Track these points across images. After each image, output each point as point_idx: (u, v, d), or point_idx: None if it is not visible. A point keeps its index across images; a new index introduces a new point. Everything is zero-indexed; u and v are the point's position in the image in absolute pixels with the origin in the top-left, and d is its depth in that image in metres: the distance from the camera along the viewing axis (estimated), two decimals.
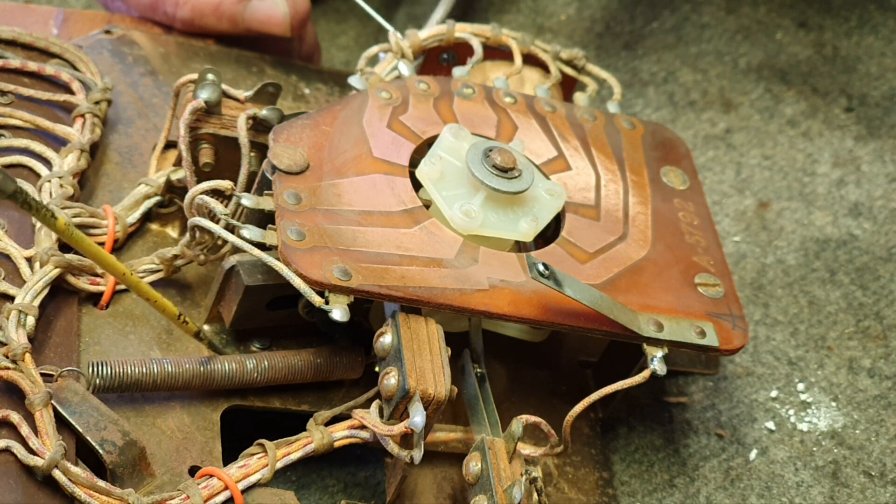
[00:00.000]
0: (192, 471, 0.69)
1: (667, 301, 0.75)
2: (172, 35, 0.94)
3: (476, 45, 0.87)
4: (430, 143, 0.78)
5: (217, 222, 0.71)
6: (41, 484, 0.64)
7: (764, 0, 1.19)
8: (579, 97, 0.88)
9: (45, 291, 0.72)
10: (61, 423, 0.66)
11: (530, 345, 0.82)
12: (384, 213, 0.73)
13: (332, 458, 0.71)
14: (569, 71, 0.91)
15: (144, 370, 0.70)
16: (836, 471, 0.84)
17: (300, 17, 0.94)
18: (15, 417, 0.65)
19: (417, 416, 0.66)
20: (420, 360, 0.68)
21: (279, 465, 0.68)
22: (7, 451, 0.64)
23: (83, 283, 0.74)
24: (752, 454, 0.86)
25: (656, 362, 0.73)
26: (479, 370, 0.76)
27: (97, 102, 0.82)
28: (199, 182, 0.73)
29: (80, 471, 0.63)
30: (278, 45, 0.96)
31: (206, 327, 0.76)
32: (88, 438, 0.66)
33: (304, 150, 0.74)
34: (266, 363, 0.73)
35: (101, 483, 0.64)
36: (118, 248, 0.78)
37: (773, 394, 0.89)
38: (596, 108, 0.87)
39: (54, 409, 0.66)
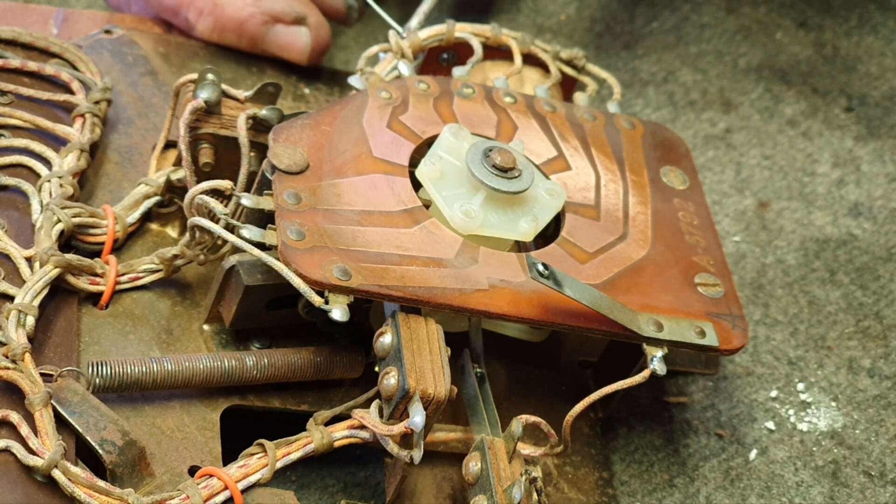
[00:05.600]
0: (192, 471, 0.69)
1: (667, 301, 0.75)
2: (172, 35, 0.94)
3: (476, 45, 0.87)
4: (430, 142, 0.78)
5: (217, 222, 0.71)
6: (41, 484, 0.64)
7: (764, 0, 1.19)
8: (579, 97, 0.88)
9: (45, 291, 0.72)
10: (61, 423, 0.66)
11: (530, 345, 0.82)
12: (384, 212, 0.73)
13: (332, 458, 0.71)
14: (569, 71, 0.91)
15: (144, 369, 0.70)
16: (835, 471, 0.85)
17: (321, 49, 0.94)
18: (15, 417, 0.65)
19: (417, 416, 0.66)
20: (420, 360, 0.68)
21: (279, 465, 0.68)
22: (7, 451, 0.64)
23: (83, 283, 0.74)
24: (752, 454, 0.86)
25: (656, 362, 0.73)
26: (479, 370, 0.76)
27: (97, 102, 0.82)
28: (198, 182, 0.73)
29: (79, 471, 0.63)
30: None
31: (205, 327, 0.76)
32: (88, 438, 0.66)
33: (303, 149, 0.74)
34: (266, 360, 0.73)
35: (101, 483, 0.64)
36: (118, 247, 0.78)
37: (773, 394, 0.89)
38: (596, 108, 0.86)
39: (54, 409, 0.66)
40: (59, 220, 0.74)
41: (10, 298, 0.71)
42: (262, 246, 0.70)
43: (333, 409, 0.71)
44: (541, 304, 0.72)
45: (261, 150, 0.77)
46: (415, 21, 0.94)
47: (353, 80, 0.82)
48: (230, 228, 0.71)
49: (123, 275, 0.76)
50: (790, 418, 0.88)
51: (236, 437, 0.73)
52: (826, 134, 1.08)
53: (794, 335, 0.93)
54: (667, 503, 0.83)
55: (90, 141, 0.80)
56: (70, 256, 0.73)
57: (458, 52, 0.89)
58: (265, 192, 0.73)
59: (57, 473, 0.63)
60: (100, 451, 0.66)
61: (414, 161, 0.77)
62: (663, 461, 0.85)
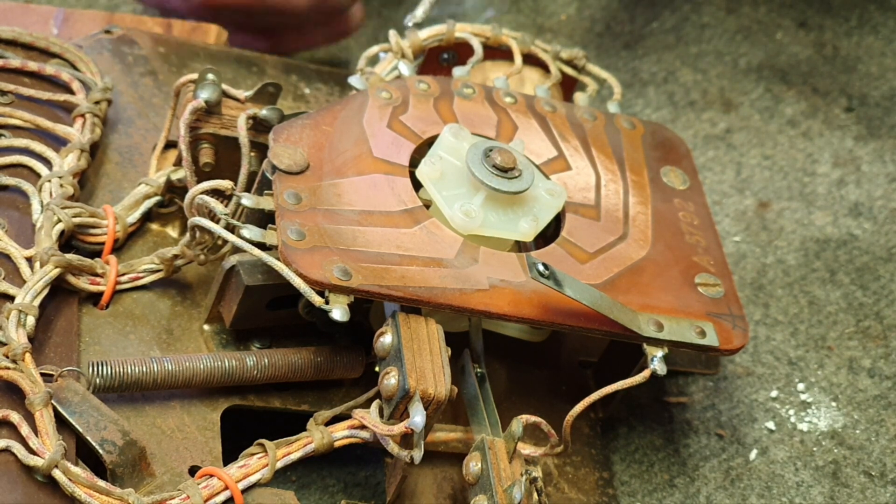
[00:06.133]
0: (192, 471, 0.69)
1: (667, 301, 0.75)
2: (172, 35, 0.94)
3: (476, 45, 0.87)
4: (430, 142, 0.78)
5: (217, 222, 0.71)
6: (41, 484, 0.64)
7: (764, 0, 1.19)
8: (579, 97, 0.88)
9: (45, 291, 0.72)
10: (61, 423, 0.66)
11: (530, 345, 0.82)
12: (384, 212, 0.73)
13: (332, 458, 0.71)
14: (569, 71, 0.91)
15: (144, 369, 0.70)
16: (836, 471, 0.85)
17: None
18: (15, 417, 0.65)
19: (417, 416, 0.66)
20: (420, 360, 0.68)
21: (279, 465, 0.68)
22: (7, 451, 0.64)
23: (83, 283, 0.74)
24: (753, 454, 0.86)
25: (656, 362, 0.73)
26: (479, 370, 0.75)
27: (97, 102, 0.82)
28: (199, 182, 0.73)
29: (80, 471, 0.63)
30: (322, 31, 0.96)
31: (206, 327, 0.76)
32: (88, 438, 0.66)
33: (304, 149, 0.74)
34: (266, 360, 0.73)
35: (101, 483, 0.64)
36: (118, 247, 0.78)
37: (773, 394, 0.89)
38: (596, 108, 0.86)
39: (54, 409, 0.66)
40: (60, 220, 0.74)
41: (11, 298, 0.71)
42: (262, 246, 0.70)
43: (334, 409, 0.71)
44: (541, 304, 0.72)
45: (261, 150, 0.77)
46: (420, 11, 0.93)
47: (354, 80, 0.82)
48: (230, 228, 0.71)
49: (124, 275, 0.76)
50: (790, 418, 0.88)
51: (236, 437, 0.73)
52: (826, 134, 1.08)
53: (794, 335, 0.93)
54: (667, 503, 0.83)
55: (90, 141, 0.80)
56: (70, 256, 0.73)
57: (459, 52, 0.89)
58: (265, 192, 0.73)
59: (57, 473, 0.63)
60: (100, 451, 0.66)
61: (414, 161, 0.77)
62: (663, 461, 0.85)
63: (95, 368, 0.69)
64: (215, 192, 0.72)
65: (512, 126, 0.82)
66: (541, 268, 0.69)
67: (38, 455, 0.63)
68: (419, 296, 0.69)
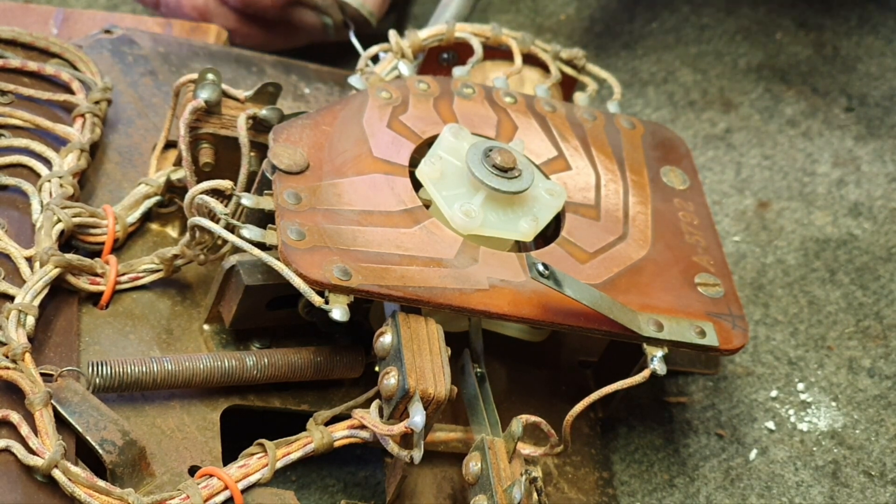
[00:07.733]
0: (192, 471, 0.69)
1: (667, 301, 0.75)
2: (172, 35, 0.94)
3: (476, 44, 0.87)
4: (430, 142, 0.78)
5: (217, 222, 0.71)
6: (41, 484, 0.64)
7: (764, 0, 1.19)
8: (579, 97, 0.88)
9: (45, 291, 0.72)
10: (61, 423, 0.66)
11: (530, 345, 0.82)
12: (384, 212, 0.73)
13: (332, 458, 0.72)
14: (569, 71, 0.91)
15: (144, 369, 0.70)
16: (836, 471, 0.85)
17: None
18: (15, 417, 0.65)
19: (417, 416, 0.66)
20: (420, 359, 0.68)
21: (279, 465, 0.68)
22: (7, 450, 0.64)
23: (83, 282, 0.74)
24: (752, 454, 0.86)
25: (656, 362, 0.73)
26: (479, 370, 0.76)
27: (97, 102, 0.82)
28: (199, 182, 0.73)
29: (79, 471, 0.63)
30: None
31: (206, 327, 0.76)
32: (88, 438, 0.66)
33: (304, 149, 0.74)
34: (266, 360, 0.73)
35: (101, 483, 0.64)
36: (118, 247, 0.78)
37: (773, 394, 0.89)
38: (596, 108, 0.86)
39: (54, 409, 0.66)
40: (60, 220, 0.74)
41: (11, 298, 0.71)
42: (262, 246, 0.70)
43: (333, 409, 0.71)
44: (541, 304, 0.72)
45: (261, 150, 0.77)
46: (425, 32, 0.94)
47: (353, 80, 0.82)
48: (230, 228, 0.71)
49: (123, 275, 0.76)
50: (790, 418, 0.88)
51: (236, 437, 0.73)
52: (826, 134, 1.08)
53: (794, 335, 0.93)
54: (667, 503, 0.83)
55: (90, 141, 0.80)
56: (70, 256, 0.73)
57: (458, 52, 0.89)
58: (265, 191, 0.73)
59: (57, 473, 0.63)
60: (100, 451, 0.66)
61: (414, 161, 0.77)
62: (663, 461, 0.85)
63: (95, 368, 0.69)
64: (215, 192, 0.72)
65: (512, 126, 0.82)
66: (541, 268, 0.69)
67: (37, 455, 0.63)
68: (419, 296, 0.69)
